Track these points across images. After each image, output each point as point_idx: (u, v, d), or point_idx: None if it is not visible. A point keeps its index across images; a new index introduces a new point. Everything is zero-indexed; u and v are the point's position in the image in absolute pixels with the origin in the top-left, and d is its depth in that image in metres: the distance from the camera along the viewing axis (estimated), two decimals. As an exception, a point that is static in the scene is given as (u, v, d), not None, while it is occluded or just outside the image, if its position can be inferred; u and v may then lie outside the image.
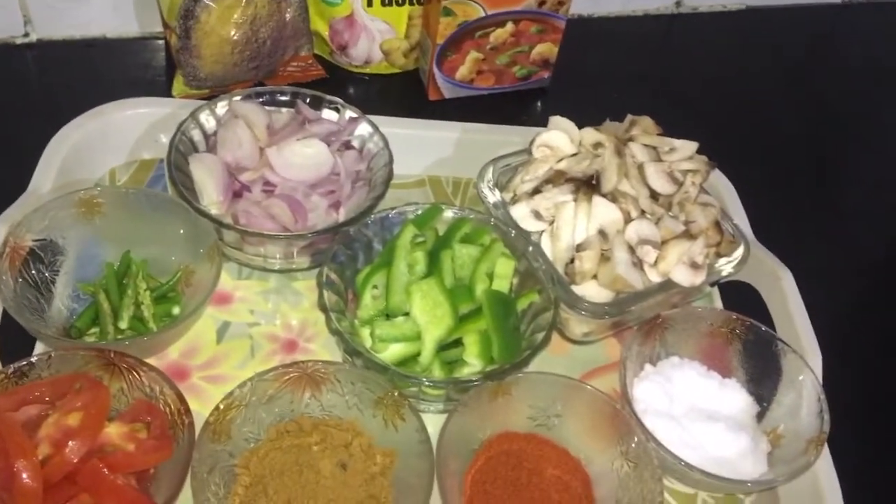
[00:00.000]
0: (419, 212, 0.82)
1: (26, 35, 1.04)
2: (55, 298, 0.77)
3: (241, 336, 0.80)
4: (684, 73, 1.21)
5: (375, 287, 0.78)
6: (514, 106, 1.09)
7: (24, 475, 0.58)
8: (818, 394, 0.74)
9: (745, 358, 0.80)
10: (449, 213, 0.83)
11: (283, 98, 0.89)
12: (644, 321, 0.79)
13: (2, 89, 1.00)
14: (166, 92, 1.00)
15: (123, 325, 0.75)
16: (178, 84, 1.00)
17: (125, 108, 0.90)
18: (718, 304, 0.89)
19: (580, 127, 0.88)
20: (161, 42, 1.07)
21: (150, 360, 0.76)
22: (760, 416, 0.78)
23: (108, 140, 0.90)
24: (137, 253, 0.80)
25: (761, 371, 0.79)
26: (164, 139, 0.89)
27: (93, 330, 0.76)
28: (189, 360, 0.78)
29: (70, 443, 0.60)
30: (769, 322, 0.84)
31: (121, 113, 0.90)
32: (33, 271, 0.75)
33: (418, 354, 0.74)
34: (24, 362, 0.66)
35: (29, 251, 0.75)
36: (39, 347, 0.73)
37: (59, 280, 0.78)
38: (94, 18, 1.05)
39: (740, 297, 0.88)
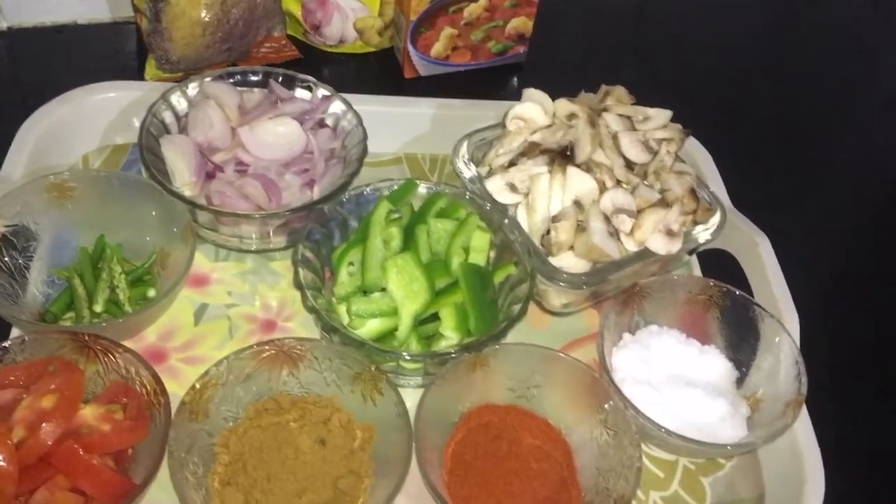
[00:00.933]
0: (394, 187, 0.82)
1: (-4, 22, 1.03)
2: (29, 284, 0.76)
3: (219, 317, 0.80)
4: (662, 43, 1.21)
5: (351, 264, 0.78)
6: (491, 82, 1.09)
7: (-1, 458, 0.58)
8: (795, 357, 0.75)
9: (723, 324, 0.80)
10: (424, 189, 0.83)
11: (256, 78, 0.89)
12: (622, 290, 0.79)
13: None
14: (139, 77, 0.99)
15: (99, 308, 0.74)
16: (151, 68, 0.99)
17: (96, 92, 0.90)
18: (697, 272, 0.89)
19: (555, 100, 0.88)
20: (133, 27, 1.06)
21: (128, 344, 0.75)
22: (740, 382, 0.78)
23: (80, 125, 0.89)
24: (112, 237, 0.80)
25: (740, 337, 0.79)
26: (137, 122, 0.87)
27: (68, 314, 0.75)
28: (167, 342, 0.77)
29: (44, 425, 0.60)
30: (747, 288, 0.84)
31: (92, 97, 0.89)
32: (6, 258, 0.75)
33: (396, 330, 0.74)
34: (-2, 347, 0.66)
35: (1, 237, 0.74)
36: (15, 333, 0.73)
37: (33, 266, 0.77)
38: (65, 4, 1.04)
39: (718, 265, 0.88)
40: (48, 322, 0.74)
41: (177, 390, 0.72)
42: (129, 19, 1.06)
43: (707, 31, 1.25)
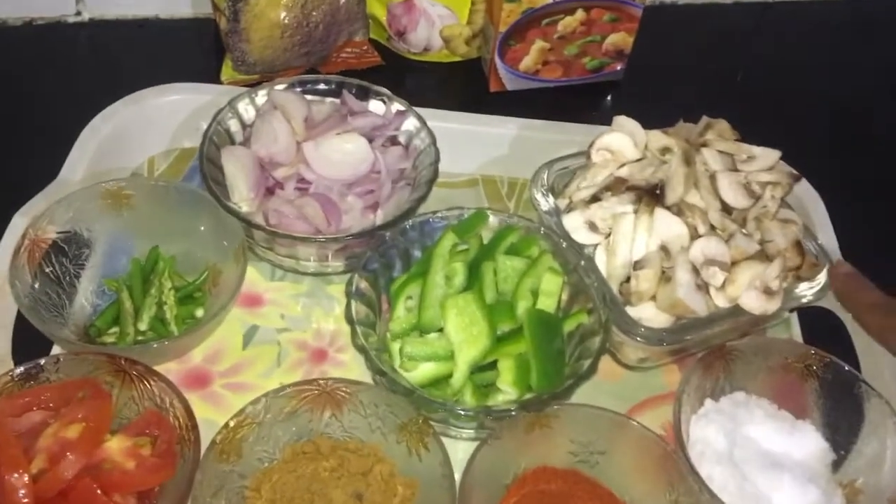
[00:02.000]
0: (463, 217, 0.76)
1: (78, 14, 1.02)
2: (78, 294, 0.73)
3: (269, 342, 0.75)
4: (775, 70, 1.10)
5: (410, 298, 0.72)
6: (583, 100, 1.01)
7: (15, 491, 0.55)
8: (905, 447, 0.65)
9: (822, 398, 0.71)
10: (495, 220, 0.76)
11: (328, 87, 0.84)
12: (707, 350, 0.71)
13: (51, 70, 0.98)
14: (216, 76, 0.96)
15: (143, 326, 0.71)
16: (227, 69, 0.95)
17: (165, 93, 0.87)
18: (797, 332, 0.80)
19: (652, 127, 0.79)
20: (213, 23, 1.03)
21: (172, 365, 0.72)
22: (836, 466, 0.69)
23: (149, 127, 0.86)
24: (167, 248, 0.76)
25: (840, 415, 0.70)
26: (206, 126, 0.85)
27: (113, 330, 0.72)
28: (212, 365, 0.73)
29: (65, 458, 0.56)
30: (853, 358, 0.75)
31: (161, 99, 0.86)
32: (56, 265, 0.72)
33: (450, 375, 0.68)
34: (32, 365, 0.63)
35: (52, 244, 0.72)
36: (57, 348, 0.70)
37: (84, 274, 0.74)
38: (147, -3, 1.02)
39: (822, 327, 0.79)
40: (91, 336, 0.71)
41: (218, 419, 0.68)
42: (209, 15, 1.03)
43: (831, 55, 1.13)
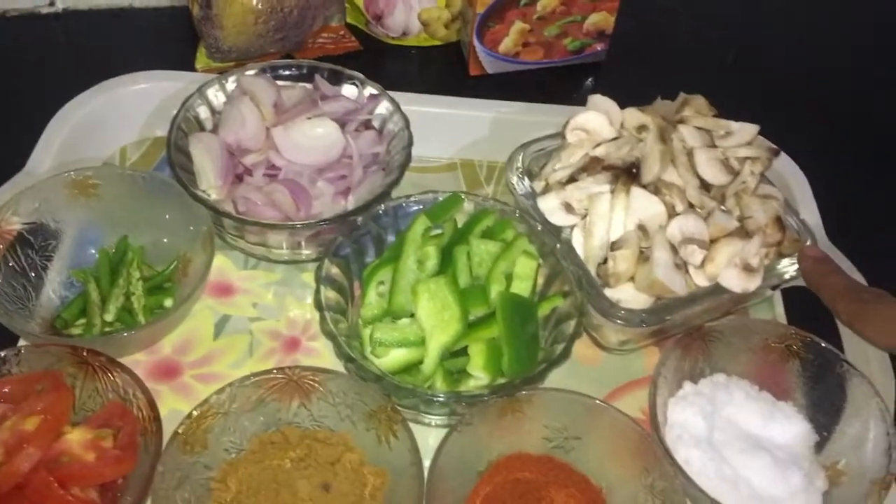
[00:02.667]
0: (437, 200, 0.74)
1: (52, 4, 1.00)
2: (46, 286, 0.72)
3: (241, 332, 0.74)
4: (761, 46, 1.08)
5: (382, 283, 0.71)
6: (565, 82, 1.00)
7: (-29, 485, 0.54)
8: (887, 427, 0.63)
9: (804, 379, 0.70)
10: (470, 204, 0.75)
11: (300, 72, 0.82)
12: (686, 331, 0.69)
13: (24, 62, 0.96)
14: (191, 64, 0.94)
15: (110, 317, 0.70)
16: (202, 56, 0.94)
17: (136, 81, 0.85)
18: (780, 311, 0.78)
19: (632, 106, 0.78)
20: (188, 11, 1.01)
21: (141, 356, 0.71)
22: (819, 447, 0.68)
23: (119, 116, 0.85)
24: (136, 238, 0.75)
25: (822, 395, 0.69)
26: (178, 115, 0.84)
27: (80, 321, 0.71)
28: (182, 356, 0.72)
29: (22, 451, 0.55)
30: (836, 338, 0.73)
31: (131, 87, 0.85)
32: (21, 257, 0.71)
33: (422, 362, 0.67)
34: (-10, 358, 0.62)
35: (17, 235, 0.70)
36: (23, 341, 0.69)
37: (51, 266, 0.73)
38: (122, -14, 1.00)
39: (805, 305, 0.76)
40: (58, 328, 0.70)
41: (187, 409, 0.66)
42: (184, 3, 1.01)
43: (814, 31, 1.11)
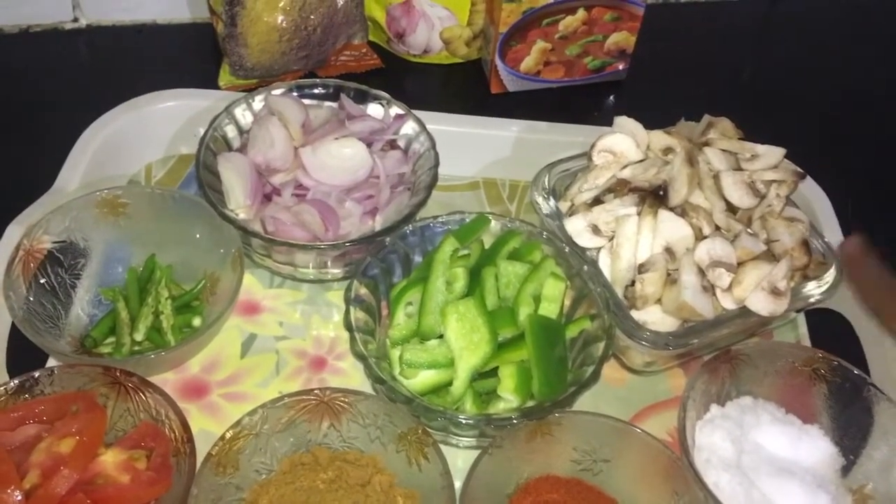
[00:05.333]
0: (464, 222, 0.75)
1: (75, 20, 1.01)
2: (74, 304, 0.73)
3: (268, 350, 0.74)
4: (781, 67, 1.08)
5: (410, 304, 0.71)
6: (585, 101, 1.00)
7: (7, 507, 0.54)
8: (916, 452, 0.64)
9: (830, 402, 0.70)
10: (496, 225, 0.75)
11: (326, 91, 0.83)
12: (713, 354, 0.70)
13: (48, 77, 0.97)
14: (214, 81, 0.95)
15: (139, 336, 0.70)
16: (225, 74, 0.95)
17: (162, 100, 0.86)
18: (804, 332, 0.78)
19: (656, 127, 0.78)
20: (212, 27, 1.02)
21: (169, 375, 0.72)
22: (846, 471, 0.68)
23: (145, 134, 0.85)
24: (164, 257, 0.76)
25: (849, 419, 0.69)
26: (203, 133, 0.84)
27: (109, 340, 0.71)
28: (210, 374, 0.72)
29: (58, 473, 0.55)
30: (861, 360, 0.73)
31: (157, 105, 0.85)
32: (51, 275, 0.71)
33: (451, 383, 0.67)
34: (27, 377, 0.62)
35: (47, 254, 0.71)
36: (53, 361, 0.69)
37: (80, 284, 0.74)
38: (144, 2, 1.01)
39: (829, 327, 0.78)
40: (87, 347, 0.70)
41: (214, 429, 0.68)
42: (207, 20, 1.02)
43: (836, 53, 1.11)
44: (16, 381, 0.62)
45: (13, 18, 0.99)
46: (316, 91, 0.82)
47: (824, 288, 0.72)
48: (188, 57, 1.01)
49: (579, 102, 0.99)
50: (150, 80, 0.91)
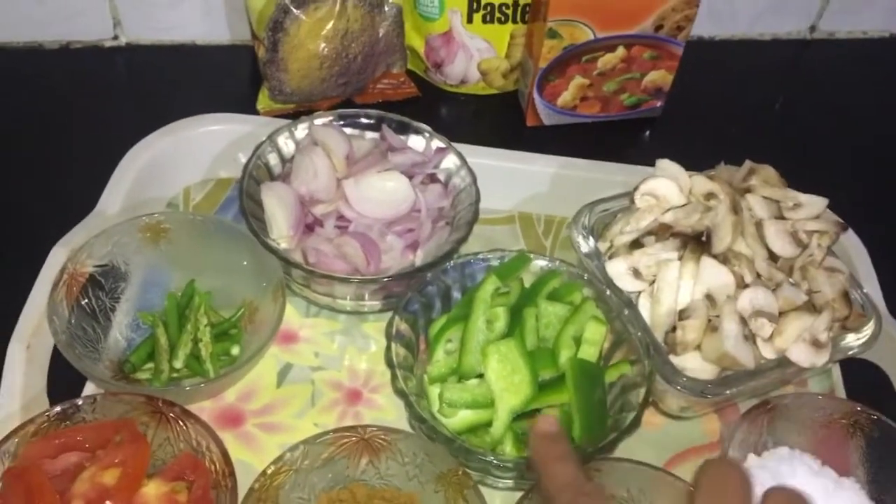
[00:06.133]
0: (504, 259, 0.75)
1: (115, 38, 1.01)
2: (113, 328, 0.73)
3: (303, 381, 0.74)
4: (815, 107, 1.08)
5: (450, 341, 0.71)
6: (620, 136, 1.00)
7: (51, 538, 0.54)
8: (955, 512, 0.63)
9: (867, 455, 0.69)
10: (537, 264, 0.75)
11: (368, 122, 0.83)
12: (751, 406, 0.69)
13: (88, 94, 0.97)
14: (251, 104, 0.95)
15: (178, 364, 0.70)
16: (263, 97, 0.95)
17: (202, 124, 0.86)
18: (838, 381, 0.78)
19: (692, 166, 0.78)
20: (251, 50, 1.02)
21: (206, 403, 0.72)
22: (881, 526, 0.68)
23: (184, 157, 0.85)
24: (202, 282, 0.76)
25: (886, 472, 0.68)
26: (243, 157, 0.84)
27: (147, 366, 0.71)
28: (245, 404, 0.72)
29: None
30: (897, 412, 0.73)
31: (197, 130, 0.86)
32: (92, 299, 0.71)
33: (489, 422, 0.67)
34: (69, 405, 0.62)
35: (89, 277, 0.71)
36: (91, 385, 0.69)
37: (119, 308, 0.74)
38: (185, 23, 1.01)
39: (865, 378, 0.77)
40: (126, 372, 0.70)
41: (250, 460, 0.68)
42: (247, 42, 1.03)
43: (872, 94, 1.11)
44: (58, 409, 0.61)
45: (54, 34, 1.00)
46: (358, 121, 0.83)
47: (863, 340, 0.72)
48: (226, 79, 1.01)
49: (614, 138, 0.99)
50: (187, 101, 0.91)
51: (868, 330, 0.73)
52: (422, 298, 0.72)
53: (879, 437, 0.69)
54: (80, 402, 0.62)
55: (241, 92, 0.98)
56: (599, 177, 0.87)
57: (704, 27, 1.12)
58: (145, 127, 0.86)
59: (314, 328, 0.78)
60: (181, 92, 0.98)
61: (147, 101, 0.97)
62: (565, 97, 0.97)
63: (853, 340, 0.72)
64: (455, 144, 0.83)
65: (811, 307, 0.71)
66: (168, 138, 0.84)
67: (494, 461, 0.63)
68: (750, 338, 0.69)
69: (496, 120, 1.01)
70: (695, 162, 0.78)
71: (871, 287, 0.80)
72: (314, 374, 0.75)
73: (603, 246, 0.76)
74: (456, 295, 0.75)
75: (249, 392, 0.73)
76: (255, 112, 0.94)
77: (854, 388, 0.77)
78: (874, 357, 0.77)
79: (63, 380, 0.69)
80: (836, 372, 0.79)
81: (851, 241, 0.83)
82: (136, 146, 0.83)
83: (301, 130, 0.81)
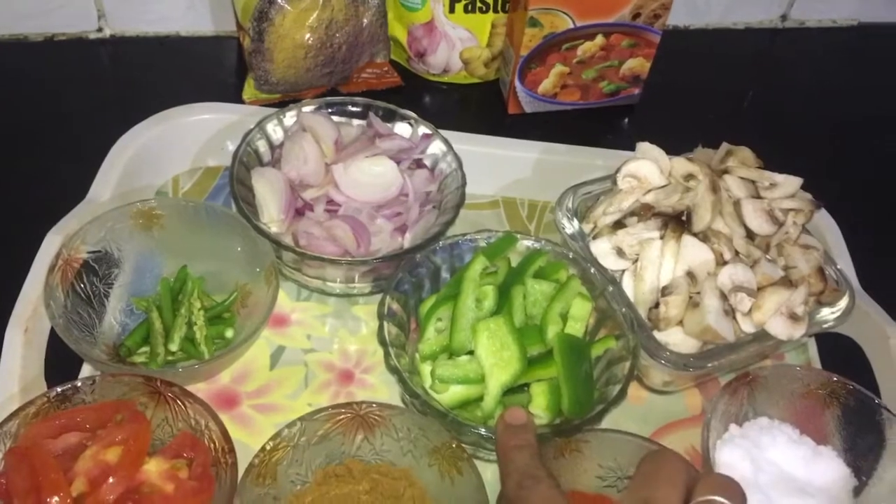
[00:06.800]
0: (491, 240, 0.77)
1: (100, 30, 1.02)
2: (107, 313, 0.74)
3: (296, 363, 0.76)
4: (787, 93, 1.12)
5: (440, 320, 0.73)
6: (600, 123, 1.02)
7: (57, 513, 0.55)
8: (928, 474, 0.66)
9: (843, 424, 0.72)
10: (523, 244, 0.77)
11: (356, 109, 0.84)
12: (732, 378, 0.72)
13: (73, 86, 0.98)
14: (237, 94, 0.96)
15: (174, 347, 0.71)
16: (249, 87, 0.96)
17: (191, 113, 0.87)
18: (814, 355, 0.81)
19: (670, 151, 0.81)
20: (235, 41, 1.03)
21: (201, 385, 0.73)
22: (858, 491, 0.70)
23: (173, 146, 0.86)
24: (195, 268, 0.77)
25: (861, 440, 0.71)
26: (231, 146, 0.86)
27: (143, 349, 0.72)
28: (240, 385, 0.74)
29: (107, 481, 0.57)
30: (872, 383, 0.76)
31: (186, 118, 0.87)
32: (86, 284, 0.72)
33: (480, 397, 0.69)
34: (69, 386, 0.63)
35: (83, 263, 0.72)
36: (86, 367, 0.70)
37: (112, 293, 0.75)
38: (169, 15, 1.02)
39: (840, 352, 0.80)
40: (122, 355, 0.71)
41: (246, 440, 0.69)
42: (231, 34, 1.04)
43: (842, 79, 1.15)
44: (58, 390, 0.62)
45: (39, 27, 1.00)
46: (346, 109, 0.84)
47: (838, 314, 0.75)
48: (211, 69, 1.02)
49: (593, 125, 1.02)
50: (173, 92, 0.92)
51: (842, 304, 0.76)
52: (412, 278, 0.74)
53: (855, 406, 0.71)
54: (79, 383, 0.63)
55: (227, 82, 1.00)
56: (580, 161, 0.89)
57: (680, 17, 1.15)
58: (131, 118, 0.86)
59: (305, 311, 0.79)
60: (166, 83, 0.99)
61: (132, 92, 0.98)
62: (546, 85, 0.99)
63: (828, 314, 0.75)
64: (441, 131, 0.84)
65: (788, 282, 0.73)
66: (157, 127, 0.85)
67: (486, 434, 0.64)
68: (730, 312, 0.72)
69: (478, 108, 1.03)
70: (672, 147, 0.81)
71: (844, 263, 0.83)
72: (306, 356, 0.76)
73: (587, 227, 0.78)
74: (445, 275, 0.76)
75: (243, 374, 0.74)
76: (240, 102, 0.95)
77: (830, 362, 0.80)
78: (848, 331, 0.80)
79: (58, 363, 0.70)
80: (813, 346, 0.82)
81: (824, 220, 0.86)
82: (126, 135, 0.83)
83: (289, 118, 0.82)
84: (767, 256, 0.75)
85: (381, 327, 0.69)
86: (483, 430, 0.65)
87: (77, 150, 0.86)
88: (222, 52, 1.03)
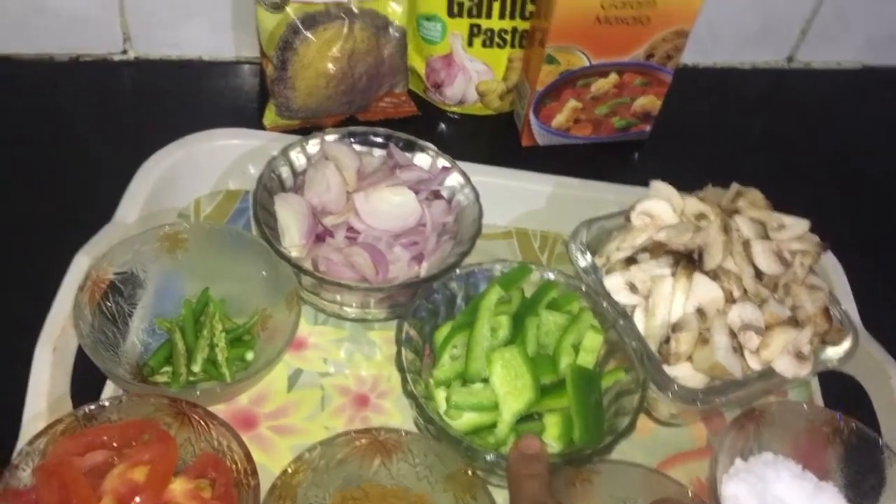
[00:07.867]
0: (506, 270, 0.79)
1: (124, 52, 1.04)
2: (130, 332, 0.75)
3: (313, 386, 0.78)
4: (793, 133, 1.14)
5: (455, 347, 0.75)
6: (610, 157, 1.05)
7: (86, 530, 0.56)
8: (927, 513, 0.68)
9: (845, 461, 0.74)
10: (537, 275, 0.79)
11: (377, 139, 0.87)
12: (739, 413, 0.74)
13: (97, 107, 1.00)
14: (256, 119, 0.99)
15: (197, 368, 0.73)
16: (270, 114, 0.98)
17: (214, 138, 0.89)
18: (817, 392, 0.83)
19: (677, 186, 0.83)
20: (256, 67, 1.06)
21: (220, 406, 0.74)
22: (859, 528, 0.72)
23: (195, 169, 0.88)
24: (216, 290, 0.79)
25: (862, 477, 0.73)
26: (252, 170, 0.88)
27: (165, 369, 0.74)
28: (258, 407, 0.75)
29: (133, 500, 0.58)
30: (873, 421, 0.78)
31: (210, 143, 0.89)
32: (112, 304, 0.74)
33: (493, 424, 0.71)
34: (95, 406, 0.64)
35: (109, 284, 0.74)
36: (109, 386, 0.72)
37: (136, 313, 0.76)
38: (192, 39, 1.04)
39: (842, 390, 0.82)
40: (145, 375, 0.73)
41: (264, 461, 0.71)
42: (251, 59, 1.06)
43: (848, 121, 1.18)
44: (86, 409, 0.64)
45: (64, 47, 1.02)
46: (367, 138, 0.86)
47: (842, 354, 0.77)
48: (231, 94, 1.04)
49: (604, 159, 1.04)
50: (194, 116, 0.95)
51: (846, 344, 0.78)
52: (429, 305, 0.76)
53: (857, 444, 0.73)
54: (106, 403, 0.65)
55: (247, 107, 1.02)
56: (592, 195, 0.92)
57: (688, 55, 1.17)
58: (152, 140, 0.88)
59: (322, 335, 0.81)
60: (187, 106, 1.01)
61: (153, 114, 1.00)
62: (559, 119, 1.01)
63: (833, 354, 0.77)
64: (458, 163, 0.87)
65: (795, 322, 0.76)
66: (181, 151, 0.87)
67: (496, 460, 0.66)
68: (738, 349, 0.74)
69: (492, 139, 1.05)
70: (680, 182, 0.83)
71: (848, 304, 0.85)
72: (323, 380, 0.78)
73: (599, 261, 0.80)
74: (460, 303, 0.78)
75: (262, 396, 0.76)
76: (259, 127, 0.97)
77: (830, 399, 0.82)
78: (849, 369, 0.82)
79: (82, 382, 0.71)
80: (815, 383, 0.84)
81: (829, 261, 0.88)
82: (151, 158, 0.85)
83: (312, 146, 0.84)
84: (775, 296, 0.77)
85: (398, 353, 0.71)
86: (495, 456, 0.66)
87: (99, 172, 0.88)
88: (243, 77, 1.05)
